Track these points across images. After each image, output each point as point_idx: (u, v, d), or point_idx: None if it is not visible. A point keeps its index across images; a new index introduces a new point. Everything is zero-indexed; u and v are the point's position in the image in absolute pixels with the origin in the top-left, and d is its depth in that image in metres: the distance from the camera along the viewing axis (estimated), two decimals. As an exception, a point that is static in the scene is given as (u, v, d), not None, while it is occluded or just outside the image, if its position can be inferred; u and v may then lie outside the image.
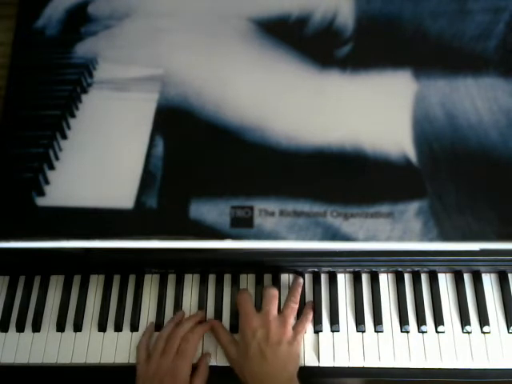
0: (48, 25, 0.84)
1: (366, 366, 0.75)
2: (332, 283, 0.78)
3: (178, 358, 0.72)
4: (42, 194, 0.74)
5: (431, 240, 0.70)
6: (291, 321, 0.74)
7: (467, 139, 0.74)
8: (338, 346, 0.75)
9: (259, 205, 0.72)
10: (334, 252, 0.74)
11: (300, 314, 0.76)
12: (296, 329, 0.74)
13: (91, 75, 0.80)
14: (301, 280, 0.78)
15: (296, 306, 0.75)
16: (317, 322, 0.76)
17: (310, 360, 0.75)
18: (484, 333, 0.75)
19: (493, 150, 0.74)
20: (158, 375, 0.71)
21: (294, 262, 0.78)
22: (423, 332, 0.75)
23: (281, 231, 0.71)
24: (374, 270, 0.78)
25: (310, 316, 0.76)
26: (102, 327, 0.77)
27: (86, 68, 0.80)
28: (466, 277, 0.78)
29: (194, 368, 0.74)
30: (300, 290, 0.77)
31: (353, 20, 0.81)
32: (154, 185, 0.74)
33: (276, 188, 0.73)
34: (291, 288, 0.77)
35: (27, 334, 0.77)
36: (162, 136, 0.76)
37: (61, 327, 0.77)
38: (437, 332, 0.75)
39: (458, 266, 0.78)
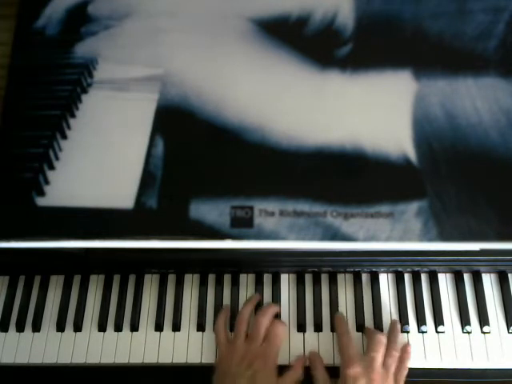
0: (48, 25, 0.83)
1: (366, 366, 0.74)
2: (332, 283, 0.78)
3: (267, 344, 0.72)
4: (42, 194, 0.74)
5: (431, 240, 0.70)
6: (393, 370, 0.71)
7: (467, 139, 0.74)
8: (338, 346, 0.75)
9: (259, 205, 0.72)
10: (334, 252, 0.74)
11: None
12: (398, 379, 0.70)
13: (91, 75, 0.80)
14: (399, 325, 0.75)
15: (397, 355, 0.72)
16: (317, 323, 0.76)
17: (310, 360, 0.75)
18: (484, 333, 0.75)
19: (493, 150, 0.74)
20: (247, 358, 0.70)
21: (294, 262, 0.78)
22: (423, 332, 0.75)
23: (281, 231, 0.71)
24: (374, 269, 0.78)
25: (408, 362, 0.72)
26: (102, 327, 0.77)
27: (86, 68, 0.80)
28: (466, 277, 0.78)
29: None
30: (399, 335, 0.74)
31: (353, 20, 0.81)
32: (154, 185, 0.74)
33: (276, 188, 0.73)
34: (390, 333, 0.74)
35: (27, 334, 0.77)
36: (161, 136, 0.76)
37: (61, 327, 0.77)
38: (437, 332, 0.75)
39: (458, 266, 0.78)
